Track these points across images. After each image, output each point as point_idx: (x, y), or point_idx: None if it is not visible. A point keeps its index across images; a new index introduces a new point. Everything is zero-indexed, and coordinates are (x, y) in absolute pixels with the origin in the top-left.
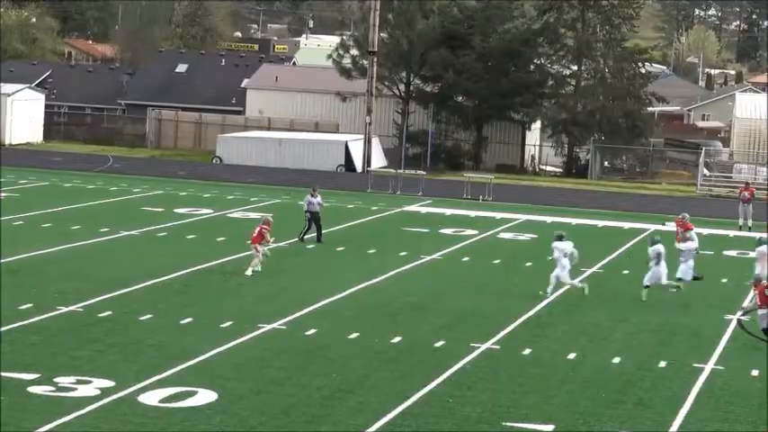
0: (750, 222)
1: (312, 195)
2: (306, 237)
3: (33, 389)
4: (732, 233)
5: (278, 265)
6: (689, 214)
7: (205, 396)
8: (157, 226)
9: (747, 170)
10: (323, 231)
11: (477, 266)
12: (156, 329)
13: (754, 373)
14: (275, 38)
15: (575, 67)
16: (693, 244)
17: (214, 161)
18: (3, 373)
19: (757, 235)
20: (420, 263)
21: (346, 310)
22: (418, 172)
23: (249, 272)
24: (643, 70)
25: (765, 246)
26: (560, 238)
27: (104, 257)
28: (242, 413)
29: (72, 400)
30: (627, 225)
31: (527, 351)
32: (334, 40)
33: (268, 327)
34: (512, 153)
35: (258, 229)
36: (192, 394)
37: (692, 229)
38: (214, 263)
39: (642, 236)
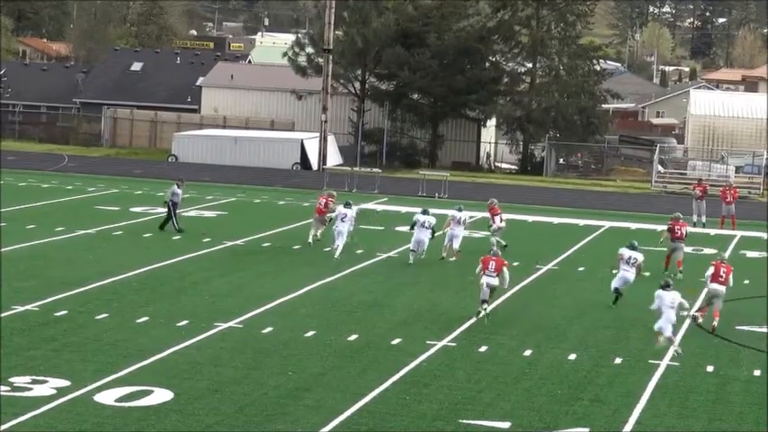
0: (704, 219)
1: (178, 187)
2: (167, 227)
3: None
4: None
5: (234, 263)
6: (643, 212)
7: (161, 395)
8: (113, 225)
9: (702, 167)
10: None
11: (434, 264)
12: (112, 328)
13: (709, 369)
14: (231, 36)
15: (529, 65)
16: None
17: (170, 159)
18: None
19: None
20: (376, 260)
21: (302, 309)
22: (374, 170)
23: (310, 239)
24: (597, 67)
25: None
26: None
27: (60, 256)
28: (198, 412)
29: (27, 400)
30: (582, 222)
31: (483, 348)
32: (289, 37)
33: (224, 325)
34: (467, 151)
35: (324, 200)
36: (148, 393)
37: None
38: (170, 261)
39: (597, 233)
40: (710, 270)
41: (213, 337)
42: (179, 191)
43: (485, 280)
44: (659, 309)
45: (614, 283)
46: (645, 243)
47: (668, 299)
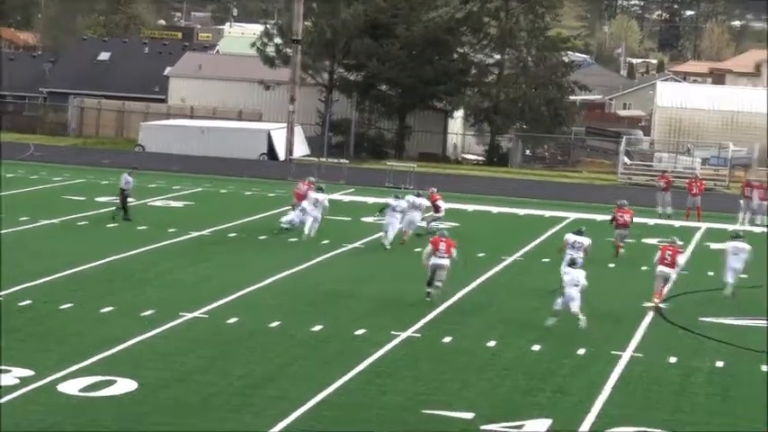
0: (669, 210)
1: (129, 174)
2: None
3: None
4: (652, 221)
5: (200, 253)
6: (609, 203)
7: (125, 385)
8: (79, 215)
9: (668, 159)
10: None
11: (399, 255)
12: (76, 318)
13: (672, 360)
14: (199, 26)
15: (498, 56)
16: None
17: (137, 149)
18: None
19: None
20: (342, 251)
21: (268, 299)
22: (341, 161)
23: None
24: (565, 59)
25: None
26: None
27: (24, 246)
28: (163, 402)
29: None
30: (548, 213)
31: (447, 339)
32: (257, 28)
33: (189, 315)
34: (434, 142)
35: (306, 187)
36: (112, 383)
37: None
38: (136, 252)
39: (563, 224)
40: (658, 254)
41: (178, 327)
42: (130, 179)
43: (434, 261)
44: (563, 285)
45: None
46: (609, 235)
47: (573, 276)
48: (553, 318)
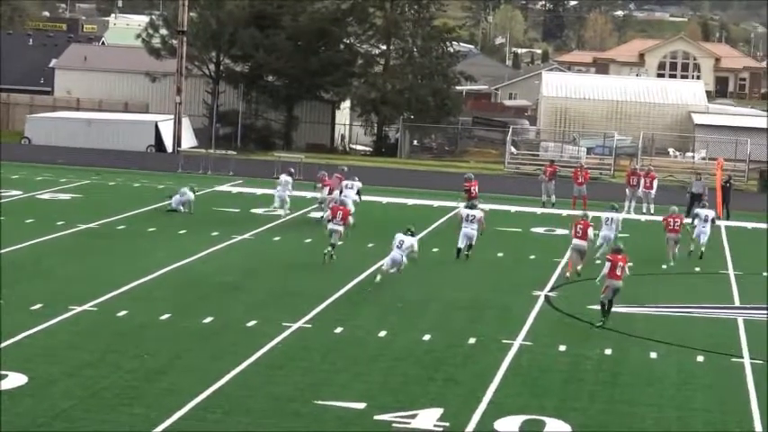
0: (553, 199)
1: None
2: None
3: None
4: (539, 210)
5: (89, 246)
6: (498, 192)
7: (15, 379)
8: None
9: (554, 148)
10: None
11: (289, 246)
12: None
13: (562, 348)
14: (84, 17)
15: (384, 47)
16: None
17: (23, 142)
18: None
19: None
20: (231, 242)
21: (158, 291)
22: (229, 152)
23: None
24: (451, 49)
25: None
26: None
27: None
28: (53, 396)
29: None
30: (436, 203)
31: (339, 330)
32: (143, 19)
33: (79, 309)
34: (322, 132)
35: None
36: (2, 377)
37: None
38: (24, 245)
39: (451, 214)
40: (572, 229)
41: (68, 320)
42: None
43: (331, 226)
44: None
45: (459, 243)
46: (498, 224)
47: (398, 240)
48: (380, 275)
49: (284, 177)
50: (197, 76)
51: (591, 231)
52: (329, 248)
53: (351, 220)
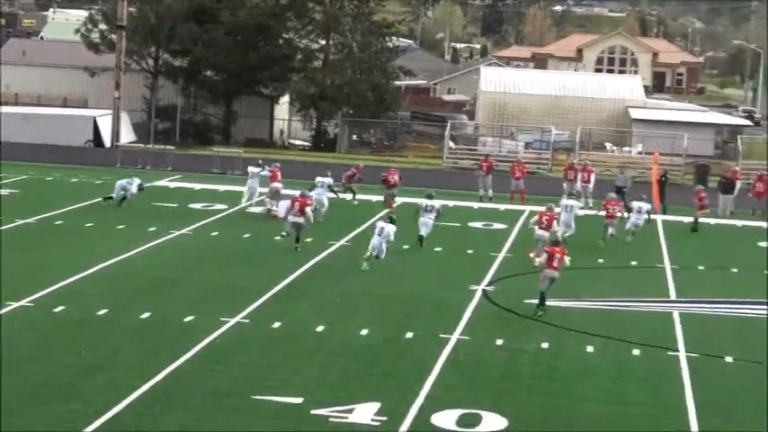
0: (491, 193)
1: None
2: None
3: None
4: (476, 205)
5: (25, 241)
6: (436, 187)
7: None
8: None
9: (492, 143)
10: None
11: (227, 241)
12: None
13: (499, 342)
14: (22, 12)
15: (323, 42)
16: None
17: None
18: None
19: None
20: (170, 238)
21: (95, 287)
22: (168, 147)
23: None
24: (390, 44)
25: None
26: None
27: None
28: None
29: None
30: (375, 198)
31: (277, 324)
32: (82, 14)
33: (16, 305)
34: (261, 127)
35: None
36: None
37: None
38: None
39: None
40: (535, 217)
41: (4, 317)
42: None
43: (291, 219)
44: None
45: (420, 231)
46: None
47: (378, 227)
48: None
49: (252, 169)
50: (136, 71)
51: (555, 224)
52: (286, 236)
53: (308, 211)
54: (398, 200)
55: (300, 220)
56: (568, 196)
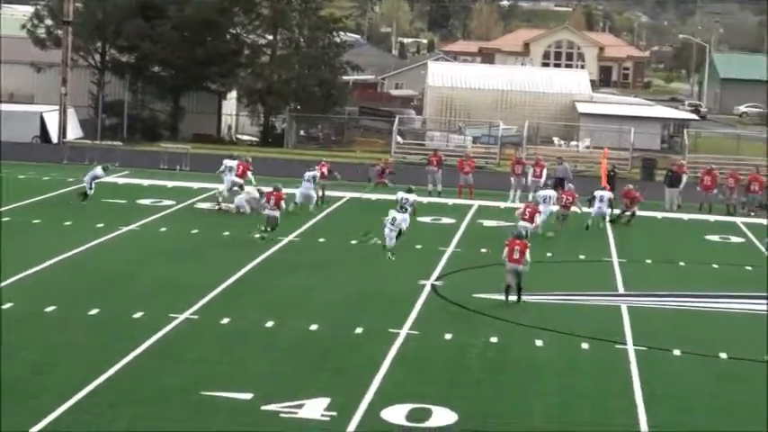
0: (440, 187)
1: None
2: None
3: None
4: (426, 200)
5: None
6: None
7: None
8: None
9: (440, 137)
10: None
11: (176, 236)
12: None
13: (448, 336)
14: None
15: (270, 37)
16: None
17: None
18: None
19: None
20: (118, 234)
21: (44, 283)
22: (115, 143)
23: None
24: (338, 39)
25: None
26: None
27: None
28: None
29: None
30: (326, 193)
31: (226, 320)
32: (28, 9)
33: None
34: (208, 123)
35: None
36: None
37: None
38: None
39: (339, 203)
40: (520, 209)
41: None
42: None
43: (267, 212)
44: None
45: (386, 242)
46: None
47: (390, 217)
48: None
49: (228, 162)
50: (83, 66)
51: (538, 217)
52: (263, 232)
53: (284, 204)
54: (345, 194)
55: (276, 213)
56: (515, 191)
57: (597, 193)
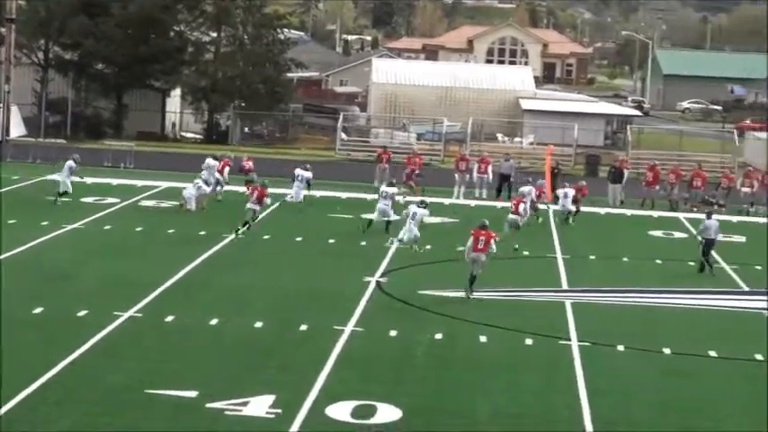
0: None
1: None
2: None
3: None
4: (369, 197)
5: None
6: (329, 179)
7: None
8: None
9: (384, 134)
10: None
11: (120, 234)
12: None
13: (393, 333)
14: None
15: (214, 34)
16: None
17: None
18: None
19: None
20: (62, 232)
21: None
22: (58, 141)
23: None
24: (282, 36)
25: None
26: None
27: None
28: None
29: None
30: (271, 190)
31: (170, 318)
32: None
33: None
34: (152, 120)
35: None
36: None
37: None
38: None
39: (280, 201)
40: (512, 204)
41: None
42: None
43: (249, 206)
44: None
45: (374, 216)
46: (329, 211)
47: (411, 212)
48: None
49: (210, 162)
50: (26, 64)
51: (522, 206)
52: (242, 226)
53: (267, 200)
54: (290, 191)
55: (257, 207)
56: (459, 187)
57: (561, 191)
